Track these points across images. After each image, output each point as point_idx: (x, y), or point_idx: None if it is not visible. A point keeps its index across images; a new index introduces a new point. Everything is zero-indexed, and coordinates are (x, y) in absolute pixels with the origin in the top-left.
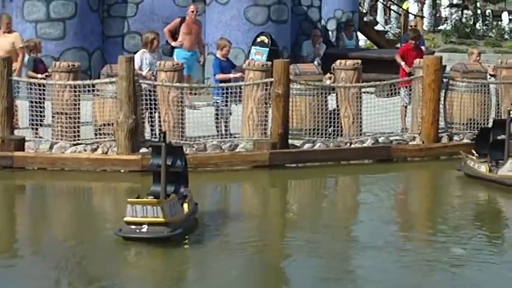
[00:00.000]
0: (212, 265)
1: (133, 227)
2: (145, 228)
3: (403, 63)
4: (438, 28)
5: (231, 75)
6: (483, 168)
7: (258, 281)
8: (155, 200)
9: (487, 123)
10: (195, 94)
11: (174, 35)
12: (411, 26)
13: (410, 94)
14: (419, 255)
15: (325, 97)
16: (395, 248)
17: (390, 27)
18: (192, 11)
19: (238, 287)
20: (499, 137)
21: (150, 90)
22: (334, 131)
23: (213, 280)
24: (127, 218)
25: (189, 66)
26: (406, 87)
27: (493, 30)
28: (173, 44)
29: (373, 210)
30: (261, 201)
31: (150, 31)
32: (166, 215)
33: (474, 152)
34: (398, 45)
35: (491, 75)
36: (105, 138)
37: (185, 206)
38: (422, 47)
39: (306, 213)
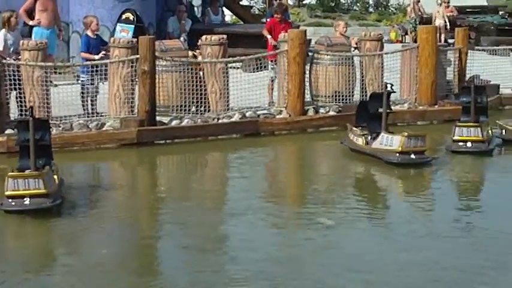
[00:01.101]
0: (83, 240)
1: (14, 200)
2: (27, 200)
3: (269, 36)
4: (303, 2)
5: (96, 56)
6: (360, 141)
7: (129, 255)
8: (36, 172)
9: (352, 95)
10: (60, 73)
11: (31, 14)
12: (277, 1)
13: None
14: (290, 223)
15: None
16: (266, 215)
17: (256, 2)
18: None
19: (109, 261)
20: (376, 111)
21: (14, 70)
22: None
23: (84, 255)
24: (8, 192)
25: (50, 45)
26: (272, 61)
27: (358, 4)
28: (30, 23)
29: (242, 182)
30: (130, 179)
31: (6, 10)
32: (47, 186)
33: (354, 125)
34: (264, 20)
35: (355, 48)
36: None
37: (55, 177)
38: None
39: (175, 187)
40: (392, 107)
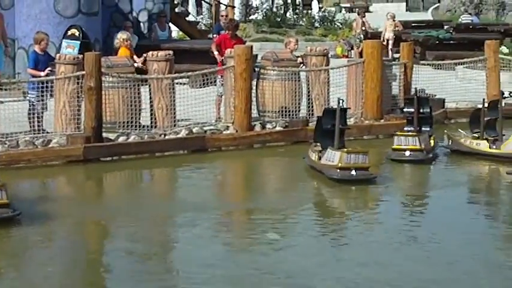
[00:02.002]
0: (28, 257)
1: None
2: None
3: (216, 52)
4: (249, 18)
5: (42, 73)
6: (313, 157)
7: (75, 272)
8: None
9: (299, 110)
10: (6, 90)
11: None
12: (223, 16)
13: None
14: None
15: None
16: (213, 229)
17: (202, 18)
18: None
19: (53, 281)
20: (329, 126)
21: None
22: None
23: (28, 272)
24: None
25: None
26: (221, 76)
27: (304, 19)
28: None
29: (189, 197)
30: (77, 196)
31: None
32: (8, 196)
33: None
34: (211, 35)
35: (301, 63)
36: None
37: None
38: None
39: (122, 204)
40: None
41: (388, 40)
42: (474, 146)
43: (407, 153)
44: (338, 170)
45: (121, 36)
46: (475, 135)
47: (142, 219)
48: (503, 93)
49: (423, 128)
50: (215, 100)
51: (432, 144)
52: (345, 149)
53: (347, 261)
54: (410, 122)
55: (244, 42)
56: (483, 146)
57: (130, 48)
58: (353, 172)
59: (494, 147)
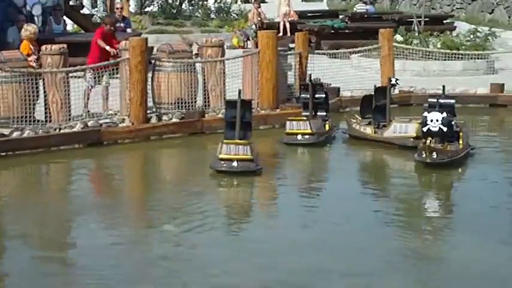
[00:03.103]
0: None
1: None
2: None
3: (107, 47)
4: (145, 10)
5: None
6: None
7: None
8: None
9: (195, 102)
10: None
11: None
12: (117, 9)
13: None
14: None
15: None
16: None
17: (97, 11)
18: None
19: None
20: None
21: None
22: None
23: None
24: None
25: None
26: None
27: (199, 10)
28: None
29: (84, 192)
30: None
31: None
32: None
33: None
34: None
35: (196, 55)
36: None
37: None
38: (129, 29)
39: (15, 202)
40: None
41: (284, 15)
42: (362, 131)
43: (299, 136)
44: (222, 161)
45: (27, 28)
46: (364, 121)
47: (36, 214)
48: (390, 80)
49: (319, 113)
50: (83, 92)
51: (327, 128)
52: (226, 140)
53: (243, 253)
54: (306, 106)
55: (117, 41)
56: (369, 131)
57: (32, 41)
58: (234, 163)
59: (380, 132)
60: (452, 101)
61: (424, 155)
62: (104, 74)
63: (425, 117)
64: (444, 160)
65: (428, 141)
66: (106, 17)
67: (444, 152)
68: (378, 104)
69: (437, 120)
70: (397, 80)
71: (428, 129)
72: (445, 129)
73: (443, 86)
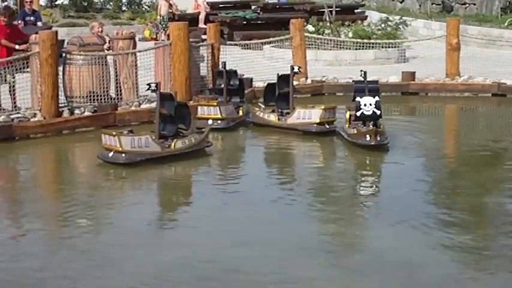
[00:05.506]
0: None
1: None
2: None
3: (17, 46)
4: (56, 3)
5: None
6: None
7: None
8: None
9: (107, 95)
10: None
11: None
12: (27, 2)
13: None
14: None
15: None
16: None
17: (6, 4)
18: None
19: None
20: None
21: None
22: None
23: None
24: None
25: None
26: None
27: (111, 3)
28: None
29: None
30: None
31: None
32: None
33: None
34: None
35: (108, 48)
36: None
37: None
38: (39, 23)
39: None
40: None
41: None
42: (266, 118)
43: (210, 121)
44: (123, 155)
45: None
46: (268, 108)
47: None
48: (293, 68)
49: (233, 99)
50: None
51: (240, 114)
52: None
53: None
54: (220, 93)
55: (22, 33)
56: (273, 118)
57: None
58: (138, 158)
59: (283, 119)
60: (377, 85)
61: (369, 138)
62: (7, 73)
63: (359, 101)
64: (385, 142)
65: (371, 125)
66: (2, 9)
67: (384, 134)
68: (281, 92)
69: (370, 104)
70: (299, 68)
71: (362, 113)
72: (378, 112)
73: (365, 72)
